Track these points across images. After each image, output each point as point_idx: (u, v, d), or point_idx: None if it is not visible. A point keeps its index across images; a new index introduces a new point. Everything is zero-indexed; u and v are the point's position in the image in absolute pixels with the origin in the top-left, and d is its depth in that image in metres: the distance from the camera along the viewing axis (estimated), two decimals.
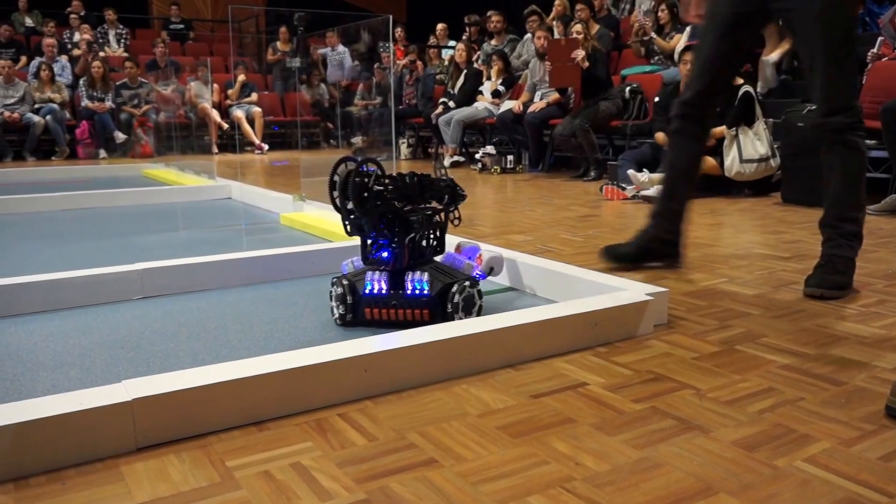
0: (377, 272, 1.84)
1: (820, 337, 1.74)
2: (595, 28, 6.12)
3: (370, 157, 1.84)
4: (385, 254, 1.84)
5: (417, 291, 1.82)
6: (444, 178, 1.90)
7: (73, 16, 9.74)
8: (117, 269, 2.14)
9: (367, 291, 1.82)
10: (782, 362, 1.57)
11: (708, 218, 3.57)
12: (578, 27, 5.53)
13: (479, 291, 1.88)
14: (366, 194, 1.78)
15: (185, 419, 1.24)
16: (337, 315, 1.86)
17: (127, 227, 3.52)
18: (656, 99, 4.78)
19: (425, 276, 1.83)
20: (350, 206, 1.80)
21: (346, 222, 1.84)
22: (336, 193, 1.81)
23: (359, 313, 1.84)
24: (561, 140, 5.58)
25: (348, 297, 1.82)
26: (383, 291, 1.82)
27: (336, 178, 1.81)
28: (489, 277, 2.17)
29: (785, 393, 1.40)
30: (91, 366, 1.59)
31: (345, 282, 1.83)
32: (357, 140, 8.21)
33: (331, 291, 1.88)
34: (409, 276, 1.83)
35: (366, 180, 1.78)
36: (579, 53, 5.30)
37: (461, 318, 1.83)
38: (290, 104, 9.71)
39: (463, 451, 1.19)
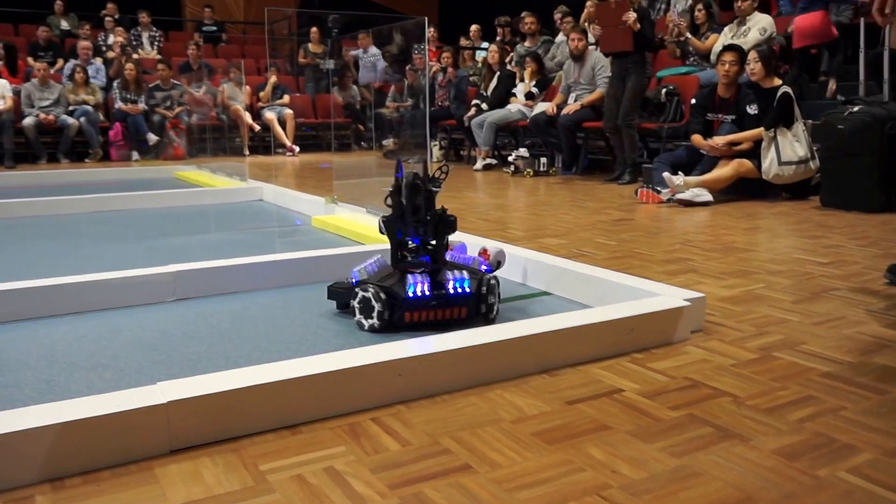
0: (418, 274, 1.85)
1: (861, 344, 1.70)
2: None
3: (421, 158, 1.90)
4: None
5: (460, 290, 1.84)
6: (439, 178, 1.92)
7: (107, 18, 9.90)
8: (150, 272, 2.17)
9: (411, 295, 1.81)
10: (823, 370, 1.53)
11: (745, 222, 3.50)
12: None
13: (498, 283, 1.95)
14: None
15: (219, 422, 1.25)
16: (368, 326, 1.83)
17: (159, 229, 3.56)
18: (693, 101, 4.70)
19: (465, 275, 1.86)
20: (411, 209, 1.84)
21: (402, 226, 1.87)
22: (404, 197, 1.84)
23: (396, 318, 1.83)
24: (609, 130, 5.51)
25: (386, 309, 1.81)
26: (426, 293, 1.82)
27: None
28: (497, 272, 2.18)
29: (826, 402, 1.37)
30: (125, 367, 1.61)
31: (382, 295, 1.81)
32: (388, 142, 8.23)
33: (364, 299, 1.83)
34: (450, 276, 1.85)
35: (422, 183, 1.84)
36: (630, 16, 5.20)
37: (495, 313, 1.88)
38: (321, 106, 9.76)
39: (497, 457, 1.17)
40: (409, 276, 1.83)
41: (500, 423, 1.30)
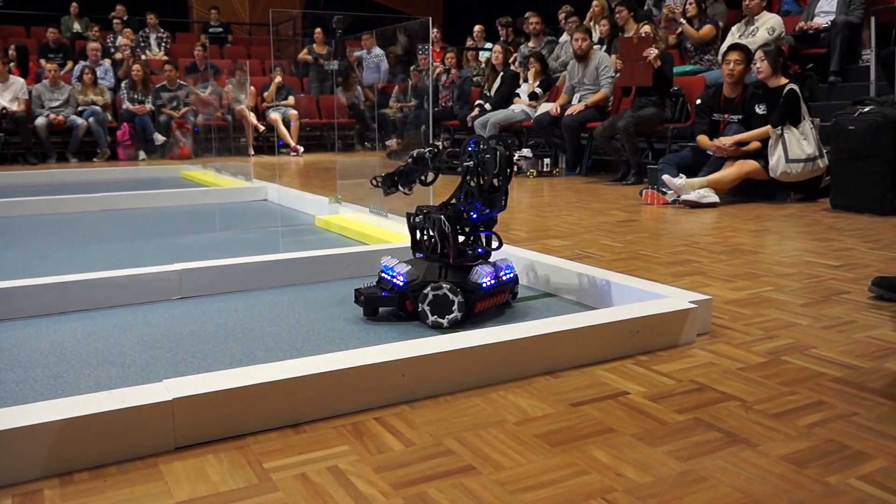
0: (485, 265, 1.89)
1: (873, 349, 1.68)
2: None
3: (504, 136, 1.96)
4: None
5: (509, 276, 1.96)
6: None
7: (115, 20, 9.95)
8: (156, 270, 2.17)
9: (485, 285, 1.86)
10: (833, 375, 1.52)
11: (752, 224, 3.48)
12: (647, 28, 5.46)
13: None
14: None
15: (224, 420, 1.24)
16: (447, 322, 1.82)
17: (165, 228, 3.57)
18: (698, 101, 4.69)
19: (508, 261, 1.97)
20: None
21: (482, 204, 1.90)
22: (497, 169, 1.86)
23: (468, 310, 1.85)
24: (601, 141, 5.52)
25: (465, 303, 1.83)
26: (493, 282, 1.88)
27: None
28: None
29: (836, 407, 1.35)
30: (131, 364, 1.61)
31: (447, 285, 1.82)
32: (391, 143, 8.22)
33: (439, 297, 1.82)
34: (500, 264, 1.94)
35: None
36: (652, 52, 5.21)
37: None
38: (325, 106, 9.77)
39: (501, 458, 1.17)
40: (480, 268, 1.88)
41: (503, 424, 1.29)
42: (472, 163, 1.86)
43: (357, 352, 1.41)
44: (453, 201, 1.92)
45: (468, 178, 1.87)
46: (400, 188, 2.04)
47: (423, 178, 2.00)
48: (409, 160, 2.00)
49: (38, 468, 1.12)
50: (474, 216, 1.90)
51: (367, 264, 2.38)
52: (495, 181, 1.86)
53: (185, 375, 1.31)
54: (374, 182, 2.07)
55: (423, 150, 1.97)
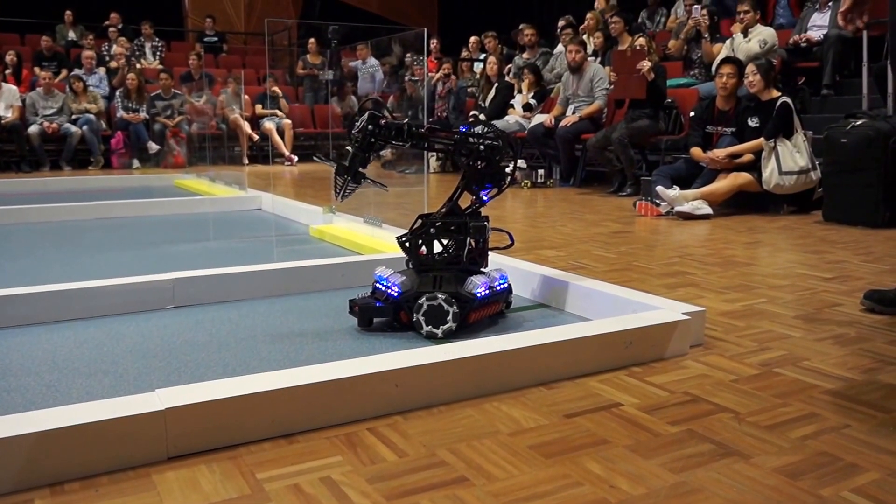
0: (479, 276, 1.90)
1: (866, 361, 1.69)
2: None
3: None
4: None
5: (503, 286, 1.97)
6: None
7: (110, 29, 9.95)
8: (150, 279, 2.16)
9: (480, 295, 1.86)
10: (826, 387, 1.52)
11: (745, 236, 3.50)
12: (642, 41, 5.50)
13: None
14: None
15: (217, 430, 1.24)
16: (442, 332, 1.82)
17: (159, 237, 3.56)
18: (691, 113, 4.71)
19: (503, 271, 2.00)
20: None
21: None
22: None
23: (462, 320, 1.85)
24: (595, 152, 5.54)
25: (460, 312, 1.83)
26: (487, 293, 1.89)
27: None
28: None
29: (829, 419, 1.36)
30: (124, 373, 1.60)
31: (442, 295, 1.81)
32: (386, 153, 8.24)
33: (433, 307, 1.82)
34: (495, 274, 1.95)
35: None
36: (645, 65, 5.25)
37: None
38: (320, 116, 9.78)
39: (494, 469, 1.17)
40: (474, 278, 1.88)
41: (497, 435, 1.29)
42: (482, 147, 1.91)
43: (351, 362, 1.41)
44: (456, 200, 1.94)
45: (479, 163, 1.93)
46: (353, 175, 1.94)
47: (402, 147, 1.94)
48: (360, 131, 1.86)
49: (28, 478, 1.11)
50: (486, 198, 1.96)
51: (362, 274, 2.38)
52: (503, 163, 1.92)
53: (178, 385, 1.30)
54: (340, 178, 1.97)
55: (400, 121, 1.90)
